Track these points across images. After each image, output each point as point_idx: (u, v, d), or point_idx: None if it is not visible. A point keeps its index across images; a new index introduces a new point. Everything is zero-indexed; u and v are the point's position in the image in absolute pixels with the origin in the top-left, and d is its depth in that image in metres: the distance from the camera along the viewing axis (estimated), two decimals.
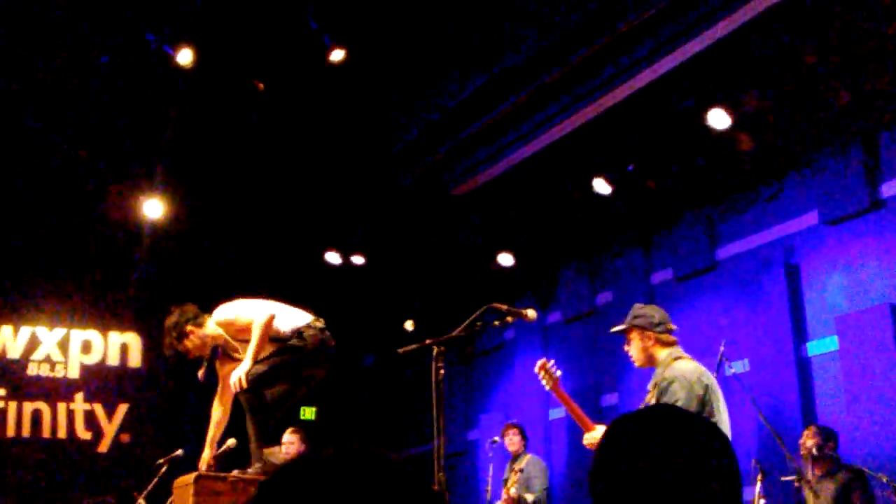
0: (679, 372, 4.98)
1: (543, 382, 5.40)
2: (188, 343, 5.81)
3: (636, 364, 5.29)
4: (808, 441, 7.24)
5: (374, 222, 11.55)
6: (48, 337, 11.93)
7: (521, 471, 8.87)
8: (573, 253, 11.04)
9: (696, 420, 1.49)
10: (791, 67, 7.81)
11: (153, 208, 10.43)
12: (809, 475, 7.12)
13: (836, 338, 8.14)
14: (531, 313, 4.87)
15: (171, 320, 5.82)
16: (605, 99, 8.83)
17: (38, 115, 9.69)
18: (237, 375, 5.54)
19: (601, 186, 9.48)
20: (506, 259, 11.08)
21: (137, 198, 10.46)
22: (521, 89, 9.08)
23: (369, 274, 11.98)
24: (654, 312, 5.26)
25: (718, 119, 8.29)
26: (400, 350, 4.81)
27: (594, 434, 5.20)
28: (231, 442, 6.30)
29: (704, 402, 4.92)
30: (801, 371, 8.43)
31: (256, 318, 5.68)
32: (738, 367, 7.75)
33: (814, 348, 8.46)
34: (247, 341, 5.72)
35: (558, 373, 5.39)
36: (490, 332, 11.55)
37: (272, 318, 5.70)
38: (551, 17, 8.31)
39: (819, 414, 8.24)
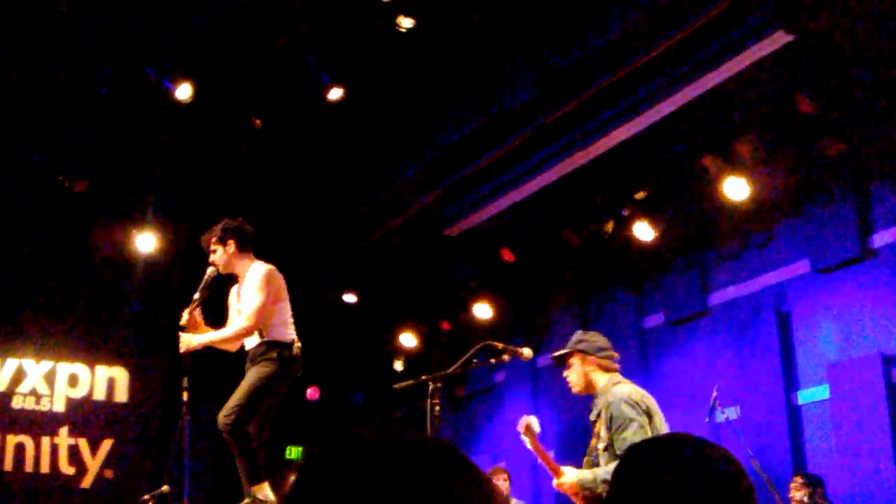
0: (624, 394, 4.91)
1: (526, 441, 5.34)
2: (223, 250, 6.00)
3: (574, 390, 5.16)
4: (797, 493, 7.23)
5: (367, 261, 11.53)
6: (34, 370, 11.79)
7: None
8: (565, 296, 11.03)
9: (710, 447, 1.49)
10: (785, 116, 7.88)
11: (146, 242, 10.39)
12: None
13: (826, 386, 8.13)
14: (527, 352, 4.88)
15: (231, 223, 6.03)
16: (598, 144, 8.89)
17: (33, 146, 9.68)
18: (196, 342, 5.82)
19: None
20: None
21: (130, 231, 10.43)
22: (516, 131, 9.14)
23: (361, 312, 11.93)
24: (598, 338, 5.18)
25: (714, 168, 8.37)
26: (396, 386, 4.78)
27: (563, 479, 5.09)
28: (211, 270, 6.13)
29: (649, 423, 4.87)
30: (792, 418, 8.42)
31: (245, 321, 5.82)
32: (730, 413, 7.73)
33: (804, 396, 8.45)
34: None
35: (538, 429, 5.33)
36: (480, 375, 11.52)
37: (248, 334, 5.82)
38: (550, 61, 8.39)
39: (809, 462, 8.21)
